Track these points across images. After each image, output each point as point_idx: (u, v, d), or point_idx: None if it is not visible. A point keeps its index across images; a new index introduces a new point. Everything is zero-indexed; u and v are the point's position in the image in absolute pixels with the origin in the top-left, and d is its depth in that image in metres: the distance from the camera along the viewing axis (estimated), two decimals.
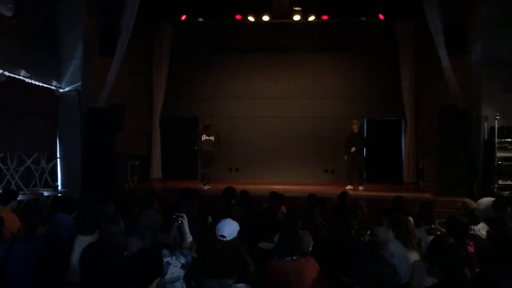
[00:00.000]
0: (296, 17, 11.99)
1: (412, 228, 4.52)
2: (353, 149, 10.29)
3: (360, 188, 10.30)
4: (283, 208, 6.58)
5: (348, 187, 10.22)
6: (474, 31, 8.92)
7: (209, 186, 10.25)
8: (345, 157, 10.50)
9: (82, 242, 4.13)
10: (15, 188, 7.18)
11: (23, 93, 7.76)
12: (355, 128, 10.54)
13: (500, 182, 8.18)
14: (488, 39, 8.69)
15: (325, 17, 12.02)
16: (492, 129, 8.40)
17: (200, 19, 12.34)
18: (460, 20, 9.19)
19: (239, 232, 3.90)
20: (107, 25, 9.31)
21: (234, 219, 3.95)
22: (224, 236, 3.75)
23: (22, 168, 7.71)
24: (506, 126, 8.44)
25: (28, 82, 7.77)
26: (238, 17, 12.14)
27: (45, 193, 7.92)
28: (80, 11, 9.02)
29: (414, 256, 4.26)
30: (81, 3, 9.03)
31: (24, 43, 7.98)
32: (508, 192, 7.90)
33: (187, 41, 13.06)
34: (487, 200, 6.05)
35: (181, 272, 3.64)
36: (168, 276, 3.55)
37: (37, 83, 8.04)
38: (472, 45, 8.97)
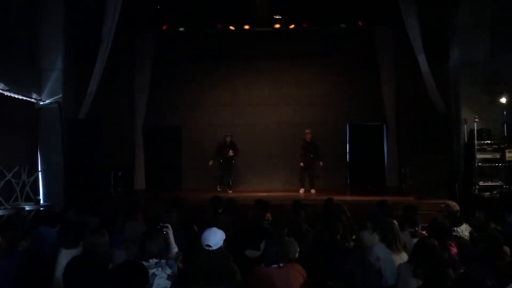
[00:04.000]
0: (277, 25, 12.11)
1: (397, 231, 4.56)
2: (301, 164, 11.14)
3: (312, 191, 10.99)
4: (268, 215, 6.56)
5: (301, 190, 11.05)
6: (451, 36, 9.11)
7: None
8: (301, 163, 11.19)
9: (65, 255, 4.07)
10: None
11: (2, 106, 7.62)
12: (308, 137, 11.15)
13: (481, 183, 8.32)
14: (465, 43, 8.89)
15: (305, 25, 12.15)
16: (471, 131, 8.56)
17: (181, 29, 12.36)
18: (438, 26, 9.38)
19: (225, 240, 3.88)
20: (88, 35, 9.24)
21: (220, 228, 3.94)
22: (209, 246, 3.73)
23: (2, 182, 7.56)
24: (485, 128, 8.61)
25: (7, 95, 7.64)
26: (219, 26, 12.20)
27: (27, 207, 7.77)
28: (59, 22, 8.92)
29: (399, 259, 4.29)
30: (61, 13, 8.93)
31: (3, 55, 7.86)
32: (488, 193, 8.03)
33: (169, 50, 13.04)
34: None
35: (167, 283, 3.61)
36: None
37: (16, 95, 7.91)
38: (450, 50, 9.15)
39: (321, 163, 11.11)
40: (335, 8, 11.75)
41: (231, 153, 11.09)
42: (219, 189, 11.06)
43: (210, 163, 11.18)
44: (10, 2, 8.28)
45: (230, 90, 13.30)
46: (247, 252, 4.89)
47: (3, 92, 7.52)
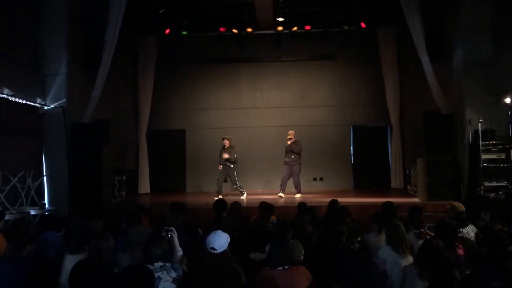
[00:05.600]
0: (280, 28, 12.13)
1: (403, 233, 4.54)
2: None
3: (297, 196, 10.48)
4: (273, 217, 6.57)
5: (280, 194, 10.55)
6: (454, 36, 9.08)
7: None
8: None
9: (70, 261, 4.08)
10: (0, 208, 7.05)
11: (7, 111, 7.66)
12: (291, 138, 10.71)
13: (486, 184, 8.28)
14: (469, 44, 8.86)
15: (308, 27, 12.16)
16: (476, 132, 8.51)
17: (184, 32, 12.39)
18: (441, 26, 9.35)
19: (229, 243, 3.88)
20: (91, 40, 9.27)
21: (225, 231, 3.94)
22: (214, 249, 3.73)
23: (8, 187, 7.60)
24: (490, 128, 8.57)
25: (12, 100, 7.68)
26: (222, 29, 12.23)
27: (32, 212, 7.80)
28: (63, 27, 8.96)
29: (406, 261, 4.27)
30: (64, 18, 8.98)
31: (7, 60, 7.91)
32: (494, 194, 7.99)
33: (172, 53, 13.08)
34: None
35: (172, 287, 3.60)
36: None
37: (21, 101, 7.95)
38: (453, 50, 9.12)
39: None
40: (338, 10, 11.77)
41: (225, 155, 10.57)
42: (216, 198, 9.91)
43: (220, 167, 10.77)
44: (13, 8, 8.33)
45: (234, 93, 13.33)
46: (252, 255, 4.88)
47: (8, 97, 7.57)
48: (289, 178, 10.78)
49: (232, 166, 10.60)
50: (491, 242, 3.83)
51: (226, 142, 10.79)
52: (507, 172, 8.36)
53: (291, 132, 10.86)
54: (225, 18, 12.03)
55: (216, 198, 9.71)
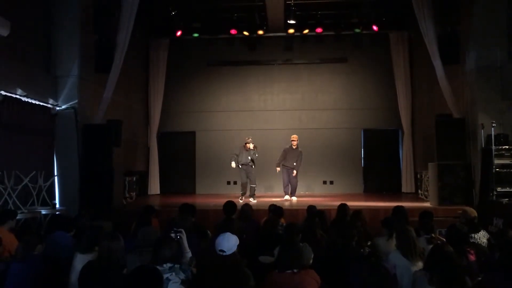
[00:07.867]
0: (291, 31, 12.14)
1: (414, 238, 4.49)
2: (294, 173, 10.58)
3: (293, 199, 10.54)
4: (282, 220, 6.54)
5: (286, 197, 10.55)
6: (467, 40, 8.99)
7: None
8: (277, 169, 10.73)
9: (80, 260, 4.10)
10: (12, 207, 7.11)
11: (20, 112, 7.74)
12: (295, 143, 10.63)
13: (499, 189, 8.16)
14: (482, 48, 8.76)
15: (319, 30, 12.15)
16: (488, 137, 8.40)
17: (196, 35, 12.46)
18: (454, 30, 9.26)
19: (238, 246, 3.87)
20: (103, 41, 9.35)
21: (234, 233, 3.93)
22: (223, 251, 3.72)
23: (19, 187, 7.66)
24: (503, 133, 8.46)
25: (25, 101, 7.76)
26: (233, 32, 12.27)
27: (43, 212, 7.85)
28: (75, 29, 9.05)
29: (416, 266, 4.22)
30: (77, 20, 9.06)
31: (20, 61, 8.00)
32: (507, 199, 7.88)
33: (183, 56, 13.16)
34: None
35: None
36: None
37: (33, 101, 8.03)
38: (466, 54, 9.03)
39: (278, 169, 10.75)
40: (350, 13, 11.76)
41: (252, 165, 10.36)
42: (240, 200, 9.77)
43: (233, 165, 10.38)
44: (27, 10, 8.42)
45: (244, 96, 13.36)
46: (261, 258, 4.86)
47: (21, 97, 7.64)
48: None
49: (253, 166, 10.48)
50: (504, 248, 3.78)
51: (252, 146, 10.45)
52: None
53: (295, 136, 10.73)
54: (236, 21, 12.09)
55: (242, 200, 9.84)
